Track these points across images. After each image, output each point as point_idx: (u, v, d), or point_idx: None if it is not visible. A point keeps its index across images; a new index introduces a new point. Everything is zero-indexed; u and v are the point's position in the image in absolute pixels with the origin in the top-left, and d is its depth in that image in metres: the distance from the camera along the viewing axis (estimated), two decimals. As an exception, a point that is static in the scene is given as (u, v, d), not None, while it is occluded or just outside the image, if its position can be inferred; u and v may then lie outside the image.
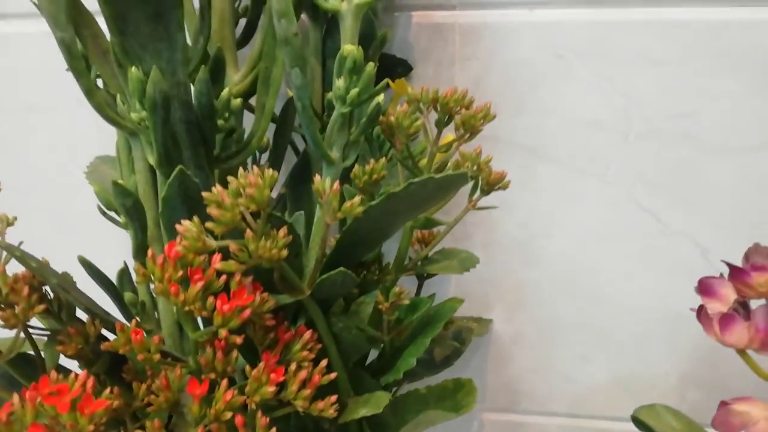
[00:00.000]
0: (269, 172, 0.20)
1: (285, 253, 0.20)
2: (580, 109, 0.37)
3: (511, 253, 0.41)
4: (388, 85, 0.35)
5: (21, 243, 0.30)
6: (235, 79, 0.29)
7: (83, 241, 0.42)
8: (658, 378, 0.41)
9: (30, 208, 0.35)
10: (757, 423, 0.24)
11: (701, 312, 0.27)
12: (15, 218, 0.32)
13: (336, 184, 0.21)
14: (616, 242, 0.39)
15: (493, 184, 0.27)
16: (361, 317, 0.26)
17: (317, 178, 0.21)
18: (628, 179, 0.37)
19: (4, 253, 0.26)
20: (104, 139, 0.36)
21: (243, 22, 0.34)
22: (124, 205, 0.27)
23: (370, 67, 0.24)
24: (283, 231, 0.20)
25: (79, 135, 0.42)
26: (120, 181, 0.27)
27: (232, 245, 0.19)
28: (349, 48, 0.23)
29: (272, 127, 0.32)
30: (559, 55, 0.36)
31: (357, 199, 0.20)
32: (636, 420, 0.30)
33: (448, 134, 0.29)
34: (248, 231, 0.19)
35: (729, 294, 0.28)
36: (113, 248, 0.33)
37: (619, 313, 0.40)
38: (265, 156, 0.34)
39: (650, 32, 0.35)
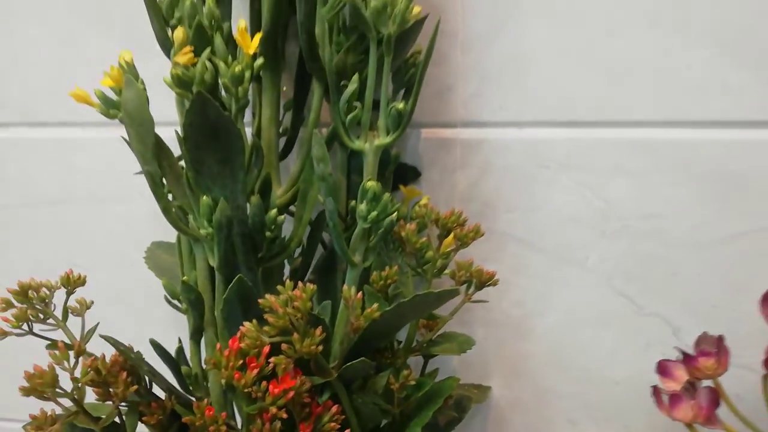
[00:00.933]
0: (310, 286, 0.26)
1: (321, 348, 0.26)
2: (564, 208, 0.43)
3: (507, 328, 0.47)
4: (400, 189, 0.42)
5: (98, 324, 0.37)
6: (278, 192, 0.36)
7: (136, 314, 0.49)
8: (641, 444, 0.46)
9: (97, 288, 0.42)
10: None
11: (655, 391, 0.32)
12: (92, 302, 0.39)
13: (359, 294, 0.27)
14: (599, 321, 0.45)
15: (485, 282, 0.33)
16: (376, 392, 0.32)
17: (345, 287, 0.28)
18: (606, 268, 0.44)
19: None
20: (159, 226, 0.43)
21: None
22: (188, 298, 0.34)
23: (386, 196, 0.31)
24: (319, 330, 0.27)
25: (139, 222, 0.50)
26: (185, 279, 0.34)
27: (284, 345, 0.26)
28: (370, 184, 0.30)
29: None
30: (545, 165, 0.42)
31: (375, 306, 0.27)
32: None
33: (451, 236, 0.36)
34: (295, 334, 0.26)
35: (682, 375, 0.34)
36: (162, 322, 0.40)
37: (604, 384, 0.46)
38: (297, 250, 0.41)
39: (622, 148, 0.42)
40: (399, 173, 0.44)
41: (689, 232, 0.42)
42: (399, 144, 0.45)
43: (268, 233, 0.33)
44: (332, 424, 0.29)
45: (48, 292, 0.36)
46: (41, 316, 0.36)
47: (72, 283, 0.36)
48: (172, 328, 0.40)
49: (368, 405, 0.30)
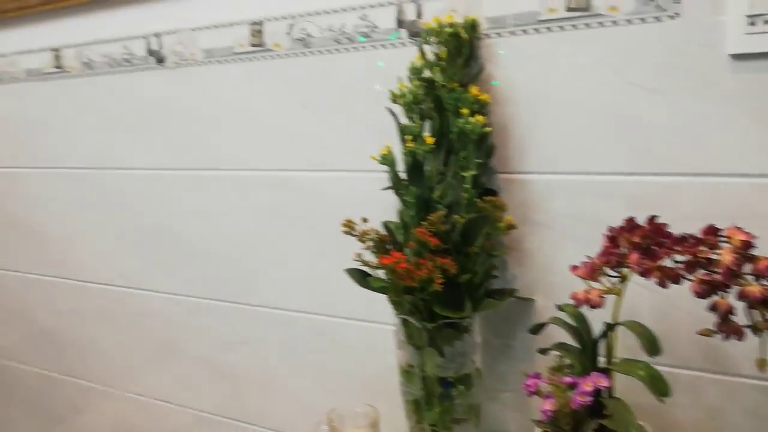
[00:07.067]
0: (440, 212, 0.86)
1: (446, 228, 0.85)
2: (575, 210, 0.97)
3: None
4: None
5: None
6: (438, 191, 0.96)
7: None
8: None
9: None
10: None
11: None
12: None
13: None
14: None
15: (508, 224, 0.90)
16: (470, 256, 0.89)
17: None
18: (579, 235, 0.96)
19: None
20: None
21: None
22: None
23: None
24: (445, 224, 0.85)
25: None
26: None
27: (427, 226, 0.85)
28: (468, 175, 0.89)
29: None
30: (554, 193, 0.97)
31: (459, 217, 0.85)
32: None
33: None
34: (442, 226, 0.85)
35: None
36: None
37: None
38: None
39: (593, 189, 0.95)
40: (490, 193, 1.01)
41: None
42: (489, 181, 1.02)
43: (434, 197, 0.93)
44: (449, 263, 0.86)
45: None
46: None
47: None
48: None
49: (474, 256, 0.88)
